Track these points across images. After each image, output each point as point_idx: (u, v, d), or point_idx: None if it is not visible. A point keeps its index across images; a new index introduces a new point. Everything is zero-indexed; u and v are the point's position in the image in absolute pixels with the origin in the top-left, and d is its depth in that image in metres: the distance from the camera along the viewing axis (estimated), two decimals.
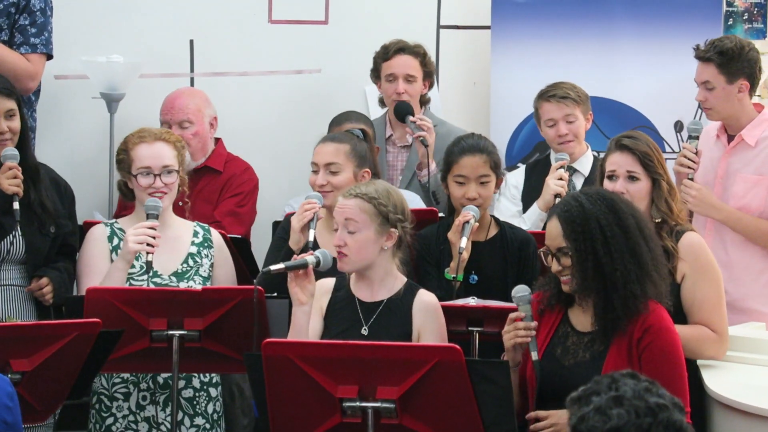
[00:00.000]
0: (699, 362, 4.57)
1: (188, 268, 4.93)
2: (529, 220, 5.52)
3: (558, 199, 5.30)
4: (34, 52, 5.68)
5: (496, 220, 5.09)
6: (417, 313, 4.32)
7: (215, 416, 4.99)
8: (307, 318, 4.23)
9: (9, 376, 3.99)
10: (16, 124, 4.94)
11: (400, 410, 3.81)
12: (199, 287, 4.77)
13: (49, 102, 6.13)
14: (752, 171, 5.44)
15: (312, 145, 5.10)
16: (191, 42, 6.58)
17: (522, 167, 5.99)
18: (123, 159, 4.95)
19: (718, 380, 4.46)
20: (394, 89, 6.09)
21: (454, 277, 4.77)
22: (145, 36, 6.46)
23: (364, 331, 4.31)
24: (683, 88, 6.02)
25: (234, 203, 5.88)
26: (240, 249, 5.25)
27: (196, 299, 4.50)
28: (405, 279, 4.40)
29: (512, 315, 4.09)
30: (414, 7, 6.84)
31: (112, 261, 4.87)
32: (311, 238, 4.74)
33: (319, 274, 4.32)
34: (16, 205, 4.81)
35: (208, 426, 4.95)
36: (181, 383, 4.88)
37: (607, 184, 4.68)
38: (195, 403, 4.93)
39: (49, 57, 5.76)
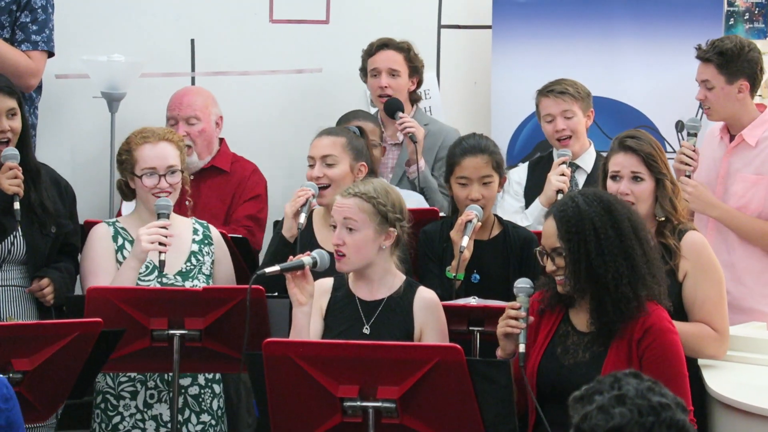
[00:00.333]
0: (700, 362, 4.57)
1: (192, 267, 4.93)
2: (531, 216, 5.54)
3: (560, 195, 5.31)
4: (36, 49, 5.68)
5: (500, 219, 5.09)
6: (418, 311, 4.32)
7: (219, 412, 5.01)
8: (308, 318, 4.23)
9: (10, 375, 3.99)
10: (17, 123, 4.93)
11: (400, 410, 3.82)
12: (203, 286, 4.77)
13: (50, 101, 6.12)
14: (752, 171, 5.44)
15: None
16: (192, 41, 6.58)
17: (525, 164, 6.00)
18: (126, 159, 4.94)
19: (719, 380, 4.46)
20: (378, 84, 6.10)
21: (454, 276, 4.77)
22: (147, 35, 6.46)
23: (366, 330, 4.31)
24: (684, 87, 6.03)
25: (254, 209, 5.87)
26: (240, 249, 5.25)
27: (197, 299, 4.50)
28: (404, 277, 4.40)
29: (509, 304, 4.09)
30: (415, 6, 6.85)
31: (117, 260, 4.87)
32: (302, 221, 4.73)
33: (319, 274, 4.31)
34: (16, 205, 4.81)
35: (213, 422, 4.96)
36: (187, 381, 4.89)
37: (611, 185, 4.68)
38: (201, 400, 4.94)
39: (51, 54, 5.77)
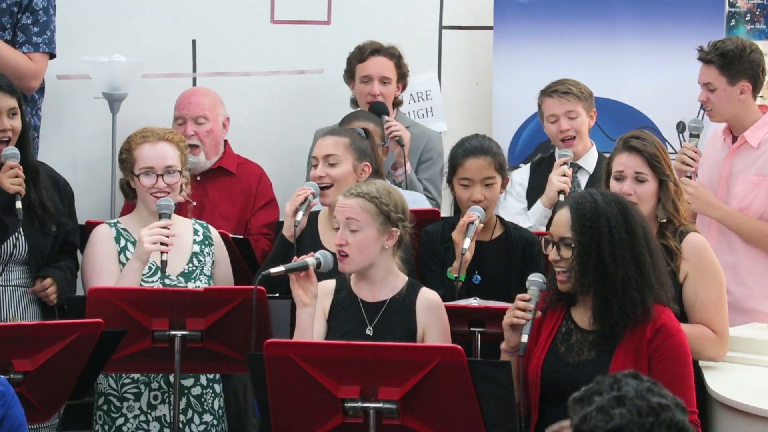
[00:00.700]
0: (701, 363, 4.57)
1: (194, 268, 4.93)
2: (533, 217, 5.54)
3: (562, 196, 5.31)
4: (37, 51, 5.68)
5: (502, 220, 5.08)
6: (421, 312, 4.32)
7: (220, 412, 5.02)
8: (311, 319, 4.23)
9: (11, 376, 4.00)
10: (17, 122, 4.93)
11: (401, 411, 3.82)
12: (204, 287, 4.78)
13: (52, 102, 6.12)
14: (754, 172, 5.44)
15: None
16: (194, 42, 6.58)
17: (527, 165, 6.00)
18: (126, 158, 4.95)
19: (720, 381, 4.46)
20: (369, 90, 6.08)
21: (456, 277, 4.77)
22: (148, 36, 6.45)
23: (369, 332, 4.31)
24: (685, 88, 6.03)
25: (270, 216, 5.87)
26: (241, 249, 5.26)
27: (198, 299, 4.50)
28: (406, 278, 4.40)
29: (519, 296, 4.09)
30: (416, 7, 6.85)
31: (120, 262, 4.87)
32: (299, 218, 4.73)
33: (324, 274, 4.31)
34: (18, 205, 4.81)
35: (215, 422, 4.97)
36: (190, 381, 4.90)
37: (614, 185, 4.68)
38: (203, 400, 4.95)
39: (52, 56, 5.77)
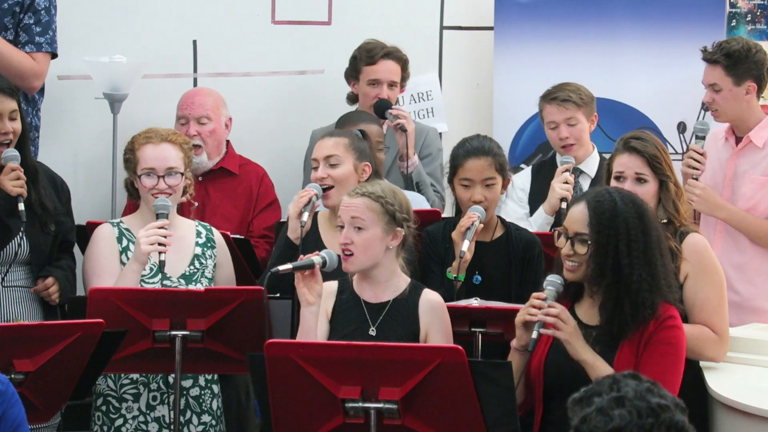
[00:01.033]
0: (702, 363, 4.57)
1: (195, 270, 4.94)
2: (535, 224, 5.52)
3: (564, 203, 5.31)
4: (39, 50, 5.68)
5: (503, 221, 5.08)
6: (423, 313, 4.32)
7: (218, 412, 5.02)
8: (315, 319, 4.23)
9: (12, 376, 4.00)
10: (18, 125, 4.94)
11: (402, 411, 3.81)
12: (204, 287, 4.78)
13: (53, 102, 6.13)
14: (760, 172, 5.45)
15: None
16: (194, 42, 6.58)
17: (528, 169, 5.99)
18: (129, 159, 4.96)
19: (720, 381, 4.46)
20: (376, 94, 6.07)
21: (455, 277, 4.77)
22: (149, 36, 6.46)
23: (372, 332, 4.31)
24: (686, 89, 6.04)
25: (272, 218, 5.87)
26: (242, 249, 5.26)
27: (199, 300, 4.50)
28: (409, 279, 4.40)
29: (534, 294, 4.09)
30: (417, 7, 6.85)
31: (122, 262, 4.88)
32: (304, 218, 4.73)
33: (326, 275, 4.31)
34: (21, 206, 4.81)
35: (214, 422, 4.98)
36: (189, 382, 4.90)
37: (614, 185, 4.68)
38: (201, 401, 4.95)
39: (54, 56, 5.77)
